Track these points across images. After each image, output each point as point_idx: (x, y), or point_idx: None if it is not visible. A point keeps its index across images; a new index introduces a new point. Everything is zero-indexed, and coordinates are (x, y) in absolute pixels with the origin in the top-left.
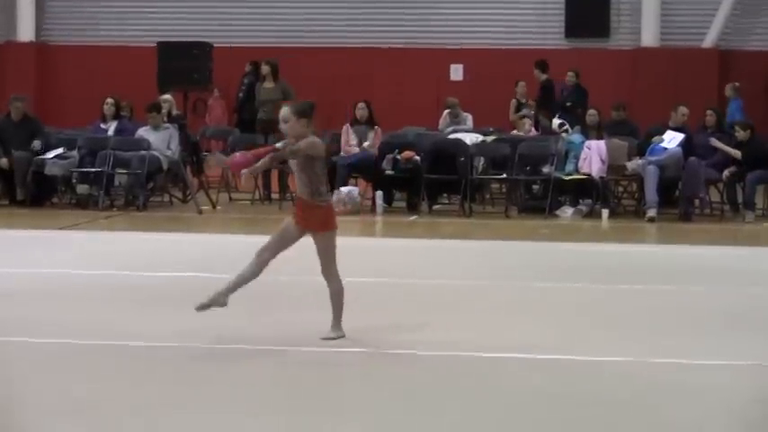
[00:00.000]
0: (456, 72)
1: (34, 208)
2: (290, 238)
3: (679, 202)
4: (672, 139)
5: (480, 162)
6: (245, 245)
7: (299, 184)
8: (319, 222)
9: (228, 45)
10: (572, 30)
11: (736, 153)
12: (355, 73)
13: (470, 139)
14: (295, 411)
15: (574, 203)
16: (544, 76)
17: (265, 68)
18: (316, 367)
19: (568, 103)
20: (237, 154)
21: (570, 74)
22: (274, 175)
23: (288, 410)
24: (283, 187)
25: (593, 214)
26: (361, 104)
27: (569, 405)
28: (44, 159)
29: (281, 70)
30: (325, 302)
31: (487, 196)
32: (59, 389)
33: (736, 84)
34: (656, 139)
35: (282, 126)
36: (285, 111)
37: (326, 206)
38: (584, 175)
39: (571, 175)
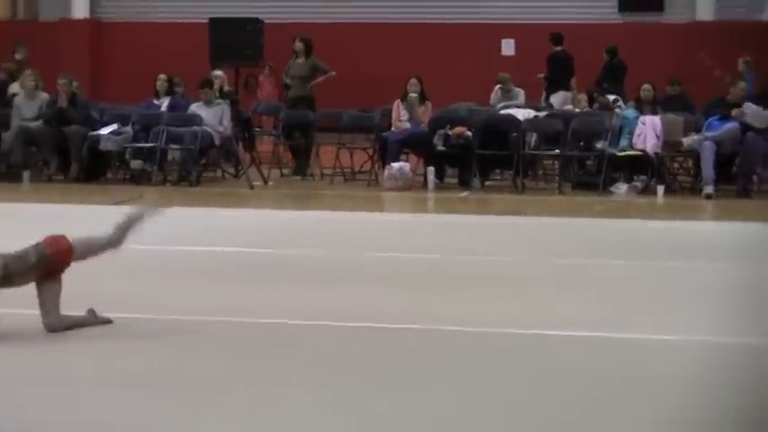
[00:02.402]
0: (507, 47)
1: (89, 183)
2: None
3: (737, 178)
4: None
5: (533, 138)
6: (295, 220)
7: None
8: None
9: (280, 21)
10: (626, 3)
11: None
12: (406, 49)
13: (522, 114)
14: (345, 386)
15: (628, 180)
16: (556, 48)
17: (299, 45)
18: (367, 343)
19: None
20: None
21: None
22: (326, 151)
23: (338, 385)
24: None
25: (648, 191)
26: (412, 80)
27: (615, 383)
28: (99, 135)
29: (332, 46)
30: (380, 276)
31: (540, 172)
32: (117, 362)
33: (748, 58)
34: (735, 112)
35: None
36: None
37: None
38: (638, 150)
39: (625, 150)
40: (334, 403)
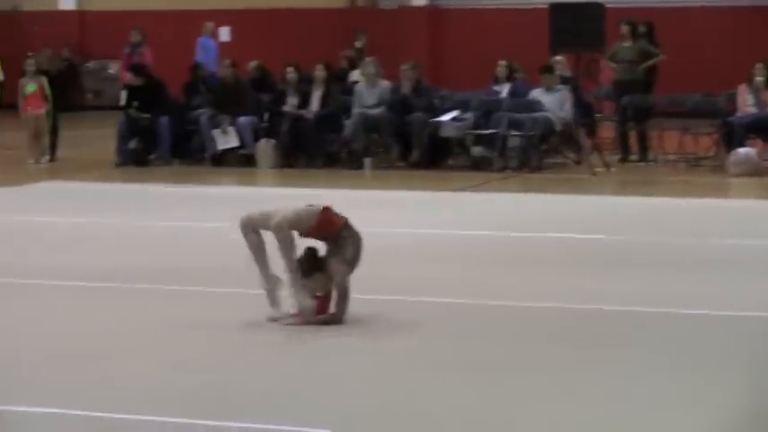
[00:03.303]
0: None
1: (429, 170)
2: None
3: None
4: None
5: None
6: (638, 206)
7: None
8: None
9: (621, 6)
10: None
11: None
12: (753, 32)
13: None
14: (695, 375)
15: None
16: None
17: (624, 28)
18: (714, 330)
19: None
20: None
21: None
22: (669, 136)
23: (687, 374)
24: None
25: None
26: (758, 64)
27: None
28: (440, 121)
29: (675, 30)
30: (725, 263)
31: None
32: (456, 347)
33: None
34: None
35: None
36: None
37: None
38: None
39: None
40: (685, 394)
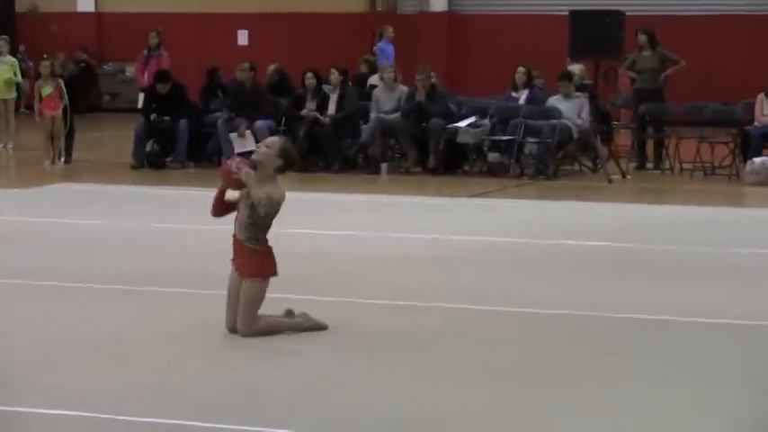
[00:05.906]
0: None
1: (445, 175)
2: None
3: None
4: None
5: None
6: (654, 215)
7: (239, 222)
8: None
9: (642, 14)
10: None
11: None
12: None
13: None
14: (707, 383)
15: None
16: None
17: (642, 37)
18: (728, 339)
19: None
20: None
21: None
22: (686, 144)
23: (701, 382)
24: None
25: None
26: None
27: None
28: (456, 127)
29: (693, 39)
30: (741, 272)
31: None
32: (468, 355)
33: None
34: None
35: (263, 149)
36: (275, 141)
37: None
38: None
39: None
40: (699, 401)
